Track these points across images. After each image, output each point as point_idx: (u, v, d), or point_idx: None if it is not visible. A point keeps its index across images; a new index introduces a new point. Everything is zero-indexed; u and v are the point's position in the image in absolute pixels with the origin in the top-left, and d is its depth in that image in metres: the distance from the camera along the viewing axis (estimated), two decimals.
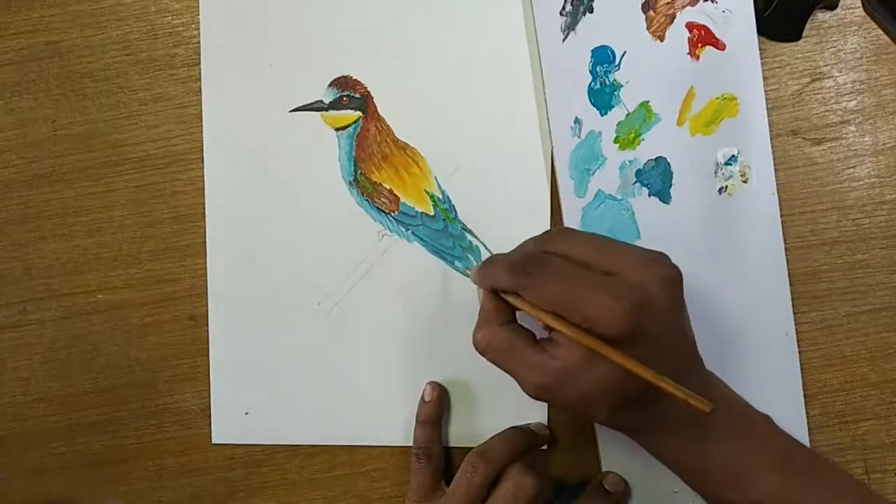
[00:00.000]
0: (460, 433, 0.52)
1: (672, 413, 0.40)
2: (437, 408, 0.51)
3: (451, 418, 0.52)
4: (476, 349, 0.43)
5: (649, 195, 0.50)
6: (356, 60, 0.52)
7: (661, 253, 0.41)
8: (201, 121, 0.53)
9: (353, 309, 0.52)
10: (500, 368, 0.42)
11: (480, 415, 0.52)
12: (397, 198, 0.52)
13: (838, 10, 0.50)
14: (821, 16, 0.50)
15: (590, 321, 0.38)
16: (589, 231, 0.47)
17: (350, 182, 0.52)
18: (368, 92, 0.52)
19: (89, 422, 0.54)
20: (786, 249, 0.50)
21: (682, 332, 0.42)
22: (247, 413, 0.53)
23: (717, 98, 0.49)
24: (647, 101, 0.49)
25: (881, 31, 0.50)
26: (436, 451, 0.50)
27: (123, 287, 0.54)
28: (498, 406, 0.52)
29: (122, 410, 0.54)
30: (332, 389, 0.52)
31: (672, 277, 0.40)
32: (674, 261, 0.49)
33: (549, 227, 0.51)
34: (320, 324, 0.52)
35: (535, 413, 0.51)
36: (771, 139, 0.50)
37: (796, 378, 0.50)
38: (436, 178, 0.52)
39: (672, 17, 0.49)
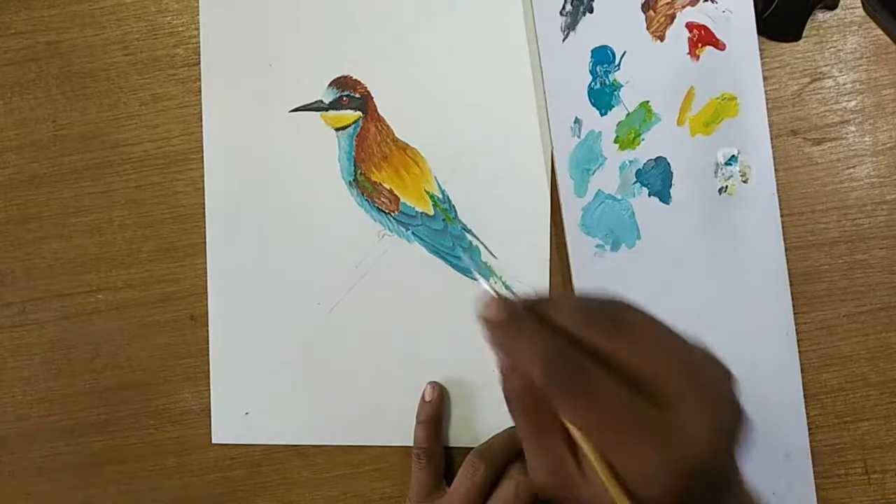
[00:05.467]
0: (460, 433, 0.52)
1: None
2: (438, 408, 0.51)
3: (450, 418, 0.52)
4: (506, 396, 0.33)
5: (649, 195, 0.50)
6: (356, 60, 0.52)
7: (730, 373, 0.33)
8: (201, 121, 0.53)
9: (353, 309, 0.52)
10: (522, 437, 0.34)
11: (480, 415, 0.52)
12: (397, 198, 0.52)
13: (838, 10, 0.50)
14: (821, 16, 0.50)
15: (626, 472, 0.30)
16: (658, 318, 0.34)
17: (350, 182, 0.52)
18: (368, 92, 0.52)
19: (89, 422, 0.54)
20: (786, 249, 0.50)
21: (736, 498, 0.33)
22: (247, 413, 0.53)
23: (717, 98, 0.49)
24: (647, 101, 0.49)
25: (881, 31, 0.50)
26: (436, 452, 0.50)
27: (124, 287, 0.54)
28: (498, 405, 0.51)
29: (122, 410, 0.54)
30: (332, 389, 0.52)
31: (737, 425, 0.32)
32: (674, 261, 0.50)
33: (548, 227, 0.51)
34: (320, 324, 0.52)
35: None
36: (771, 139, 0.50)
37: (796, 378, 0.50)
38: (436, 178, 0.52)
39: (672, 17, 0.49)
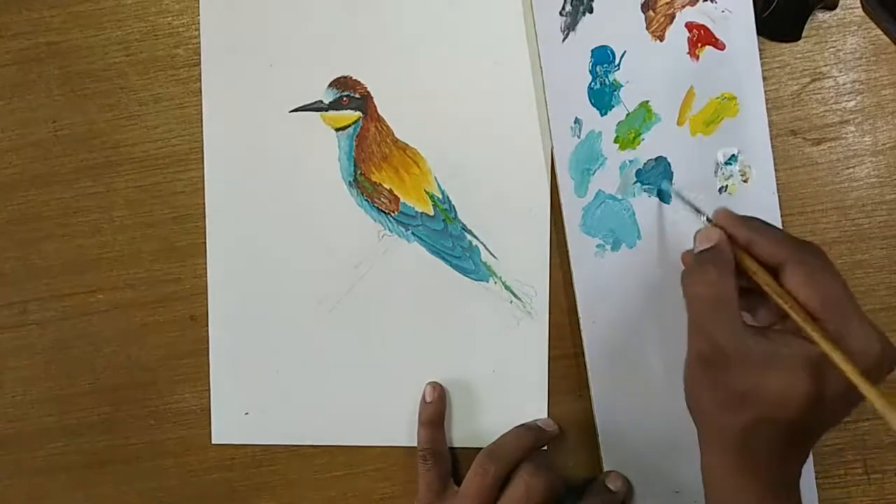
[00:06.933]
0: (462, 433, 0.52)
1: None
2: (439, 407, 0.51)
3: (452, 418, 0.52)
4: (690, 279, 0.39)
5: (650, 195, 0.50)
6: (356, 61, 0.52)
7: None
8: (201, 121, 0.53)
9: (353, 309, 0.52)
10: (695, 313, 0.38)
11: (481, 414, 0.52)
12: (397, 198, 0.52)
13: (838, 10, 0.50)
14: (820, 16, 0.50)
15: (843, 335, 0.36)
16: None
17: (350, 182, 0.52)
18: (368, 92, 0.52)
19: (89, 422, 0.54)
20: None
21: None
22: (247, 413, 0.53)
23: (717, 98, 0.49)
24: (647, 101, 0.50)
25: (880, 32, 0.50)
26: (442, 451, 0.50)
27: (124, 287, 0.54)
28: (499, 404, 0.52)
29: (122, 410, 0.54)
30: (333, 389, 0.52)
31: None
32: (674, 260, 0.49)
33: (548, 228, 0.51)
34: (320, 324, 0.52)
35: (536, 410, 0.51)
36: (771, 139, 0.50)
37: None
38: (436, 178, 0.52)
39: (672, 17, 0.49)
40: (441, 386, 0.51)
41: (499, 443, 0.49)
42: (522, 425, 0.50)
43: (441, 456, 0.50)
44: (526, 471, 0.47)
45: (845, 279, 0.38)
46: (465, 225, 0.52)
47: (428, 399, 0.51)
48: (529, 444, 0.49)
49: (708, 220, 0.42)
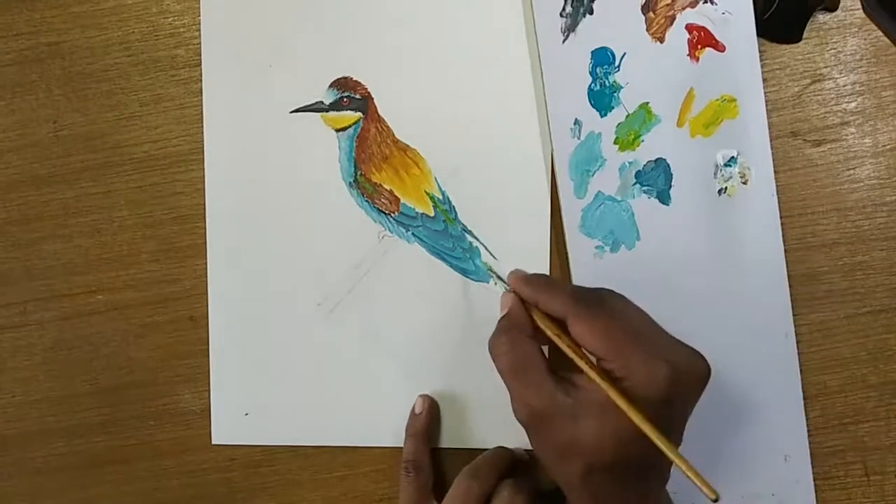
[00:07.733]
0: (462, 434, 0.52)
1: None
2: (427, 420, 0.51)
3: (451, 419, 0.52)
4: (490, 351, 0.41)
5: (649, 196, 0.50)
6: (357, 61, 0.52)
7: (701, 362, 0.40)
8: (202, 121, 0.53)
9: (353, 310, 0.52)
10: (504, 381, 0.41)
11: (482, 415, 0.52)
12: (397, 199, 0.52)
13: (838, 11, 0.50)
14: (821, 17, 0.50)
15: (629, 372, 0.37)
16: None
17: (350, 183, 0.52)
18: (369, 93, 0.52)
19: (89, 422, 0.54)
20: (785, 251, 0.50)
21: (681, 434, 0.40)
22: (247, 414, 0.53)
23: (717, 99, 0.49)
24: (647, 103, 0.50)
25: (881, 33, 0.50)
26: (424, 464, 0.50)
27: (124, 287, 0.54)
28: (499, 406, 0.51)
29: (122, 411, 0.54)
30: (332, 390, 0.52)
31: (707, 378, 0.39)
32: (673, 262, 0.50)
33: (548, 229, 0.51)
34: (320, 325, 0.52)
35: None
36: (771, 141, 0.50)
37: (796, 380, 0.50)
38: (436, 178, 0.52)
39: (672, 19, 0.49)
40: (431, 399, 0.51)
41: (478, 462, 0.48)
42: (500, 447, 0.50)
43: (423, 468, 0.50)
44: (508, 488, 0.46)
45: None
46: (465, 226, 0.52)
47: (417, 411, 0.51)
48: (509, 463, 0.48)
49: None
